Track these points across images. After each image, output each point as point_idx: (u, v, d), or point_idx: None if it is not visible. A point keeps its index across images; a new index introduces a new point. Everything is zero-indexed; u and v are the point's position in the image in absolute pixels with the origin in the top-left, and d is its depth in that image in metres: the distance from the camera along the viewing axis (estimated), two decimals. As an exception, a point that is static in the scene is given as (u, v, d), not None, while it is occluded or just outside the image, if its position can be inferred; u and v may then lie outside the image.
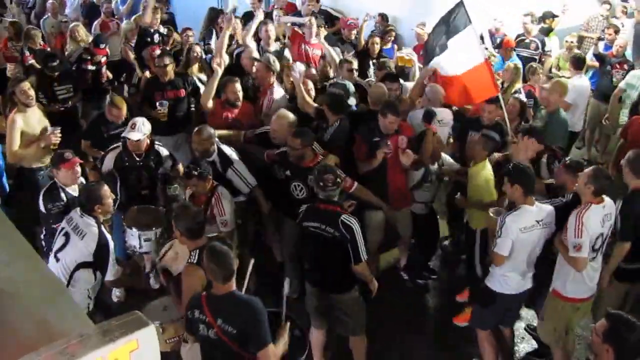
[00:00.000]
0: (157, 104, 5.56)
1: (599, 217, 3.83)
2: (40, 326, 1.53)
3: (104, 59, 7.07)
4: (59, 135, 5.10)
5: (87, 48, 7.09)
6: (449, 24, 5.43)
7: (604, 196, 3.88)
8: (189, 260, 3.46)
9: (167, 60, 5.94)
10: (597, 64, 7.82)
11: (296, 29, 7.25)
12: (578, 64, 6.88)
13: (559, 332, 4.09)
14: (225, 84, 5.44)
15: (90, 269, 3.77)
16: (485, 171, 4.66)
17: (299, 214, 4.06)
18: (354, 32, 7.69)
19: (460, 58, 5.38)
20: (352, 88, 5.67)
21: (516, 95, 6.14)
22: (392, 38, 7.84)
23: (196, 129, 4.84)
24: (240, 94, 5.44)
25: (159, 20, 7.79)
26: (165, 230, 4.41)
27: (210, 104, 5.46)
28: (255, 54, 6.15)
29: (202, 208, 4.30)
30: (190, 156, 5.78)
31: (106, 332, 1.43)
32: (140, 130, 4.71)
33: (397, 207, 5.05)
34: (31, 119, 5.18)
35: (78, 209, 3.88)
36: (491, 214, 4.12)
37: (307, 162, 4.58)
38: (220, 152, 4.79)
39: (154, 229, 4.38)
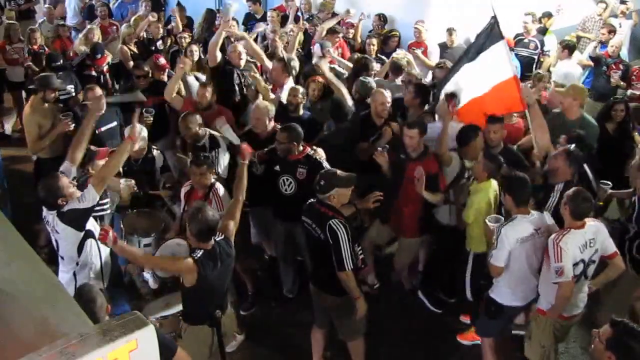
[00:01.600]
0: (144, 111, 5.58)
1: (578, 243, 3.66)
2: (40, 326, 1.53)
3: (106, 67, 7.08)
4: (71, 123, 5.23)
5: (89, 55, 7.11)
6: (482, 39, 5.28)
7: (588, 220, 3.73)
8: (192, 255, 3.45)
9: (146, 68, 6.04)
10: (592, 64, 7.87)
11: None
12: (570, 49, 7.21)
13: (547, 349, 3.96)
14: (198, 88, 5.61)
15: (91, 239, 3.78)
16: (482, 194, 4.39)
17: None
18: (351, 31, 7.72)
19: (488, 73, 5.17)
20: (373, 85, 5.72)
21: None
22: (396, 43, 7.75)
23: (182, 115, 5.04)
24: (209, 97, 5.52)
25: (160, 30, 7.81)
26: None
27: (173, 96, 5.54)
28: (242, 48, 6.17)
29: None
30: (176, 160, 5.83)
31: (106, 331, 1.43)
32: (144, 138, 4.79)
33: (402, 235, 5.03)
34: (45, 111, 5.45)
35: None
36: (488, 223, 4.01)
37: (295, 155, 4.66)
38: (211, 136, 5.01)
39: (153, 235, 4.39)
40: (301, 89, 5.56)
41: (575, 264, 3.67)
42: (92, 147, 4.54)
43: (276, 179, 4.76)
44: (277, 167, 4.76)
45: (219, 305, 3.68)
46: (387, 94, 5.38)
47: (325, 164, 4.60)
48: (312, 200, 4.03)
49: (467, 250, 4.60)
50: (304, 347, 4.46)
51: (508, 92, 5.07)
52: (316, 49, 6.83)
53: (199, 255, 3.43)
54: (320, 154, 4.75)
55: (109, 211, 4.66)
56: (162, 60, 6.70)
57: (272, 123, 5.08)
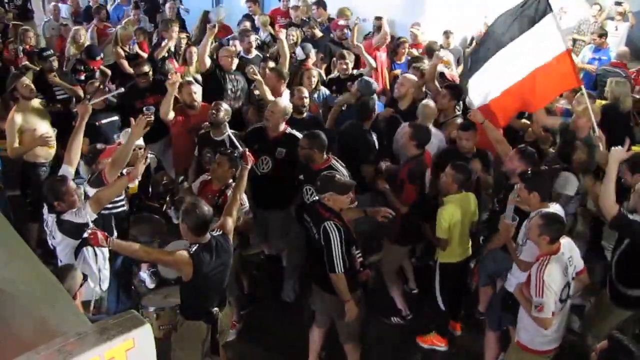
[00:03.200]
0: (144, 109, 5.57)
1: (561, 268, 3.51)
2: (39, 325, 1.55)
3: (97, 74, 7.06)
4: (51, 138, 5.15)
5: (79, 59, 7.07)
6: (521, 16, 4.90)
7: (561, 240, 3.58)
8: (189, 249, 3.49)
9: (147, 67, 6.02)
10: (589, 66, 7.92)
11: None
12: None
13: None
14: (180, 87, 5.56)
15: (88, 246, 3.75)
16: (453, 207, 4.32)
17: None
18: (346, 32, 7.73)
19: (537, 51, 4.86)
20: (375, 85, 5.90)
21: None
22: (406, 51, 7.53)
23: (215, 102, 5.18)
24: (197, 96, 5.54)
25: (176, 34, 7.52)
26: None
27: (170, 115, 5.49)
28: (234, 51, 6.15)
29: (214, 198, 4.35)
30: (173, 161, 5.87)
31: (103, 330, 1.45)
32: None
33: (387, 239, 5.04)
34: (30, 115, 5.27)
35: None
36: (505, 221, 3.94)
37: (318, 165, 4.59)
38: (230, 138, 4.99)
39: (156, 240, 4.41)
40: (306, 91, 5.56)
41: (562, 290, 3.53)
42: (99, 145, 4.55)
43: (300, 186, 4.76)
44: (301, 177, 4.74)
45: (216, 302, 3.71)
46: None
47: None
48: (315, 200, 4.09)
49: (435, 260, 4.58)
50: (300, 347, 4.47)
51: (562, 68, 4.84)
52: (298, 51, 6.76)
53: (194, 249, 3.48)
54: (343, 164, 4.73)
55: (125, 208, 4.63)
56: (176, 64, 6.69)
57: (284, 125, 5.06)
